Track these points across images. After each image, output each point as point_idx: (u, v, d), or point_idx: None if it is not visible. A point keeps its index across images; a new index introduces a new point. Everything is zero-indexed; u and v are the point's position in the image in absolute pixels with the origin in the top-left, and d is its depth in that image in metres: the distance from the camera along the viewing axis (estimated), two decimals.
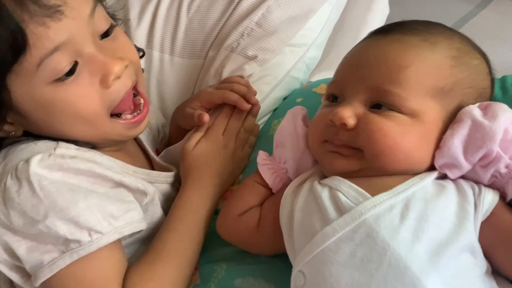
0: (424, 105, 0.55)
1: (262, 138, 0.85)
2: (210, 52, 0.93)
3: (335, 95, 0.61)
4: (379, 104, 0.56)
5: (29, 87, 0.60)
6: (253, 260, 0.70)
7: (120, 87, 0.65)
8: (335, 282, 0.51)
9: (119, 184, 0.66)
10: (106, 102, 0.64)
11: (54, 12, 0.58)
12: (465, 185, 0.55)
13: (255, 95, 0.82)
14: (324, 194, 0.57)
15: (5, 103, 0.60)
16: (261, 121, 0.87)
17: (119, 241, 0.64)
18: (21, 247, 0.60)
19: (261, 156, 0.68)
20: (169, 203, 0.76)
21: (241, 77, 0.86)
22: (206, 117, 0.79)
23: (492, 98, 0.64)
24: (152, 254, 0.67)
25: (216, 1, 0.96)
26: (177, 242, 0.69)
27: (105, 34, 0.65)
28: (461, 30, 1.09)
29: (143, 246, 0.71)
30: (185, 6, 0.97)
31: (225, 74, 0.88)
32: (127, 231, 0.63)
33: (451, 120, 0.57)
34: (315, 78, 0.96)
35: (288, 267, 0.59)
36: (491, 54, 1.03)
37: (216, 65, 0.90)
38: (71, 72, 0.61)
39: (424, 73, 0.56)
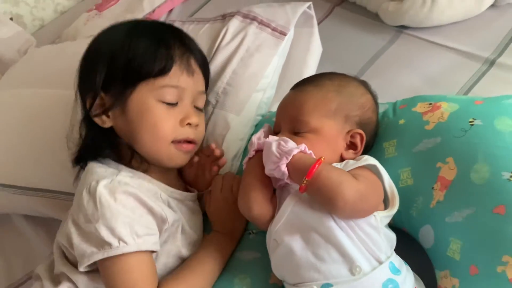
0: (322, 123, 0.84)
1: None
2: None
3: (277, 128, 0.90)
4: (298, 132, 0.84)
5: (145, 93, 0.89)
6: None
7: (187, 132, 0.92)
8: (291, 243, 0.77)
9: (149, 210, 0.86)
10: (174, 134, 0.90)
11: (189, 66, 0.93)
12: None
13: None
14: None
15: (125, 97, 0.88)
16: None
17: (148, 257, 0.85)
18: (76, 238, 0.83)
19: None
20: (194, 217, 0.98)
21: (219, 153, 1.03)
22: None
23: (381, 113, 0.95)
24: (187, 269, 0.88)
25: None
26: (207, 261, 0.90)
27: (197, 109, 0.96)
28: (378, 61, 1.32)
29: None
30: None
31: (210, 126, 1.08)
32: (143, 248, 0.83)
33: (343, 127, 0.85)
34: (273, 109, 1.15)
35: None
36: (401, 80, 1.24)
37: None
38: (171, 104, 0.90)
39: (316, 104, 0.85)
